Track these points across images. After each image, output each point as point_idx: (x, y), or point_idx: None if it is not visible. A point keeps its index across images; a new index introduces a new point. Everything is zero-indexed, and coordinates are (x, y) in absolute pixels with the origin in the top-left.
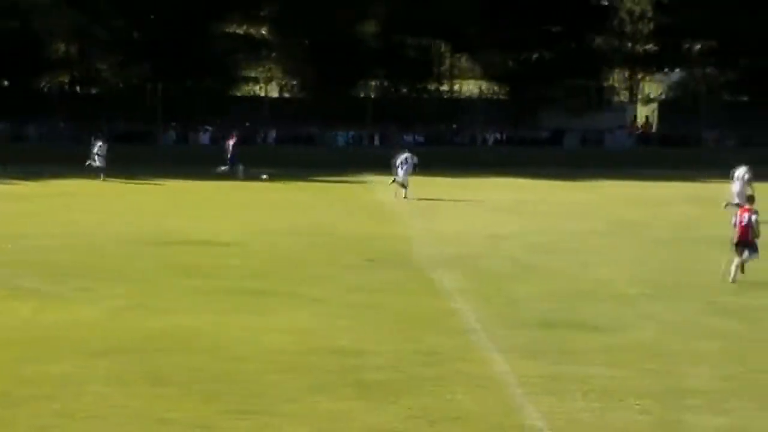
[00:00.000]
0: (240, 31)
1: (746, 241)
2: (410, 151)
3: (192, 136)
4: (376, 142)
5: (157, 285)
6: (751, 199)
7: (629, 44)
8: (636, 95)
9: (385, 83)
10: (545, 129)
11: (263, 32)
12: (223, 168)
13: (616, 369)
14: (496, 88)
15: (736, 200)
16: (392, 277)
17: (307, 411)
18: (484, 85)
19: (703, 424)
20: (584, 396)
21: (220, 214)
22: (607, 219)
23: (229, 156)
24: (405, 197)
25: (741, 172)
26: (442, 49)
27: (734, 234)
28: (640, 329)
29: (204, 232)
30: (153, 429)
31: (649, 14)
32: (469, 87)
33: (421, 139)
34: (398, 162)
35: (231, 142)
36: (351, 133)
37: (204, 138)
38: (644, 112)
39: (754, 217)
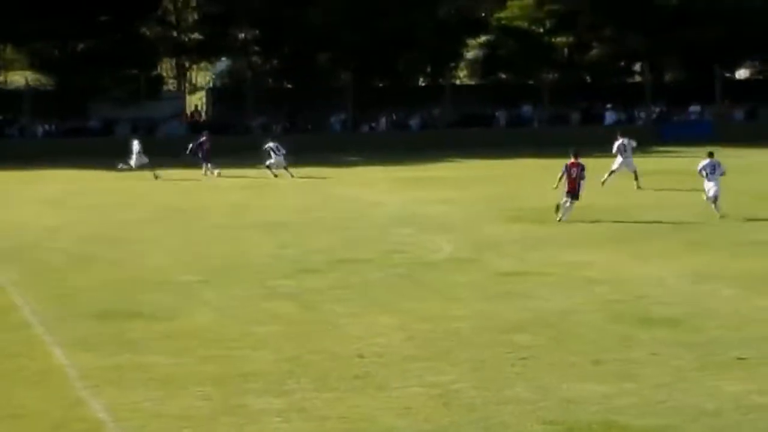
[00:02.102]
0: None
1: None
2: None
3: None
4: None
5: None
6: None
7: (176, 33)
8: (186, 84)
9: None
10: (95, 119)
11: None
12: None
13: (176, 356)
14: (43, 79)
15: None
16: None
17: None
18: (30, 76)
19: (263, 407)
20: (145, 385)
21: None
22: (162, 207)
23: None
24: None
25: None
26: None
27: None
28: (198, 315)
29: None
30: None
31: (194, 3)
32: (16, 78)
33: None
34: None
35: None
36: None
37: None
38: (194, 101)
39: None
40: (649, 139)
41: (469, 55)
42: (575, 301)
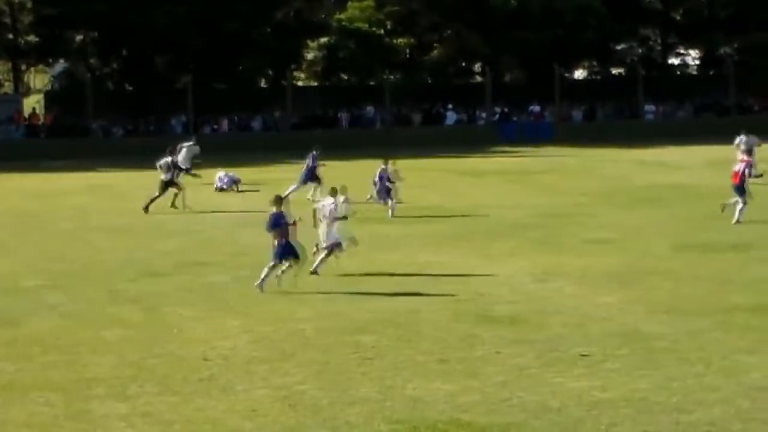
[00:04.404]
0: None
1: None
2: None
3: None
4: None
5: None
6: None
7: (11, 35)
8: (23, 86)
9: None
10: None
11: None
12: None
13: (19, 362)
14: None
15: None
16: None
17: None
18: None
19: (107, 412)
20: None
21: None
22: (5, 211)
23: None
24: None
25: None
26: None
27: None
28: (42, 321)
29: None
30: None
31: (30, 5)
32: None
33: None
34: None
35: None
36: None
37: None
38: (31, 104)
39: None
40: (490, 139)
41: (310, 56)
42: (420, 300)
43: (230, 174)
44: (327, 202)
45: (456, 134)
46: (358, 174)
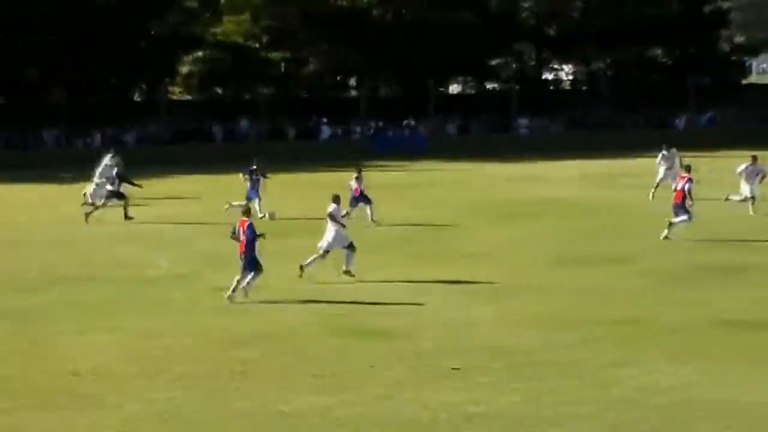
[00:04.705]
0: None
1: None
2: None
3: None
4: None
5: None
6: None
7: None
8: None
9: None
10: None
11: None
12: None
13: None
14: None
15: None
16: None
17: None
18: None
19: None
20: None
21: None
22: None
23: None
24: None
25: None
26: None
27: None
28: None
29: None
30: None
31: None
32: None
33: None
34: None
35: None
36: None
37: None
38: None
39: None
40: (365, 153)
41: (185, 70)
42: (295, 314)
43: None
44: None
45: (330, 148)
46: (234, 186)
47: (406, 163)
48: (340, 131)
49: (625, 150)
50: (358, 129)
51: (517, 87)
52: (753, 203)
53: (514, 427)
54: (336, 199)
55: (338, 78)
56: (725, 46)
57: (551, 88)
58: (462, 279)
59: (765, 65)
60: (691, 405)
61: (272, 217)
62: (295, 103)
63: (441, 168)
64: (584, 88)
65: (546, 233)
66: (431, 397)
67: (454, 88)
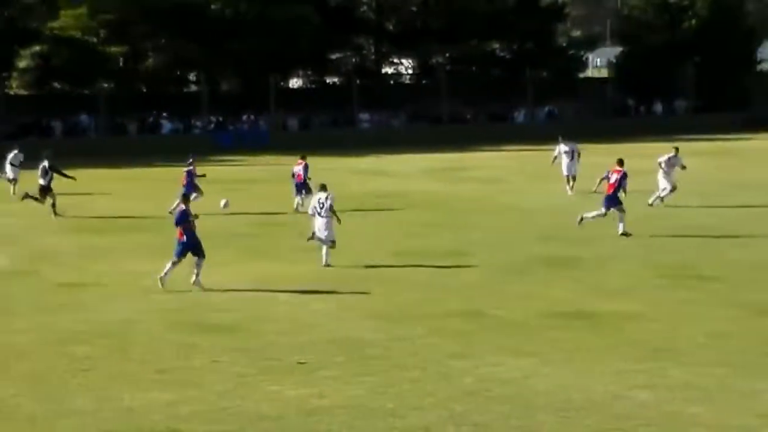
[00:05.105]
0: None
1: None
2: None
3: None
4: None
5: None
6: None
7: None
8: None
9: None
10: None
11: None
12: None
13: None
14: None
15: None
16: None
17: None
18: None
19: None
20: None
21: None
22: None
23: None
24: None
25: None
26: None
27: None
28: None
29: None
30: None
31: None
32: None
33: None
34: None
35: None
36: None
37: None
38: None
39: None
40: (206, 148)
41: (22, 64)
42: (135, 310)
43: None
44: (321, 197)
45: (172, 143)
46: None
47: (248, 157)
48: (181, 126)
49: (466, 144)
50: (199, 124)
51: (358, 81)
52: (671, 193)
53: (359, 420)
54: (324, 188)
55: (178, 73)
56: (562, 41)
57: (392, 82)
58: (303, 273)
59: (599, 60)
60: (531, 395)
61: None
62: (135, 97)
63: (282, 162)
64: (424, 82)
65: (388, 226)
66: (276, 392)
67: (295, 83)
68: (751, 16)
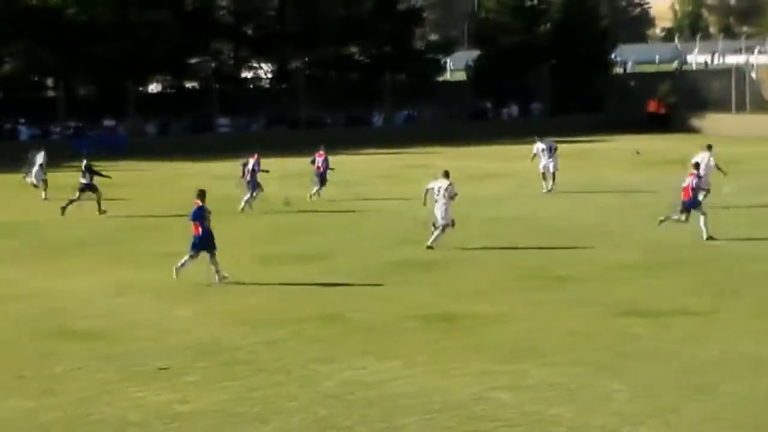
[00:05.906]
0: None
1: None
2: None
3: None
4: None
5: None
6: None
7: None
8: None
9: None
10: None
11: None
12: None
13: None
14: None
15: None
16: None
17: None
18: None
19: None
20: None
21: None
22: None
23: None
24: None
25: None
26: None
27: None
28: None
29: None
30: None
31: None
32: None
33: None
34: None
35: None
36: None
37: None
38: None
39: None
40: (64, 153)
41: None
42: None
43: None
44: (442, 184)
45: (30, 150)
46: None
47: (106, 163)
48: (39, 132)
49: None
50: (57, 129)
51: (216, 86)
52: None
53: (223, 425)
54: (447, 175)
55: (35, 78)
56: (420, 45)
57: (251, 86)
58: (163, 279)
59: (453, 63)
60: (394, 398)
61: None
62: None
63: (141, 168)
64: (283, 86)
65: (247, 231)
66: (139, 398)
67: (154, 88)
68: (605, 19)
